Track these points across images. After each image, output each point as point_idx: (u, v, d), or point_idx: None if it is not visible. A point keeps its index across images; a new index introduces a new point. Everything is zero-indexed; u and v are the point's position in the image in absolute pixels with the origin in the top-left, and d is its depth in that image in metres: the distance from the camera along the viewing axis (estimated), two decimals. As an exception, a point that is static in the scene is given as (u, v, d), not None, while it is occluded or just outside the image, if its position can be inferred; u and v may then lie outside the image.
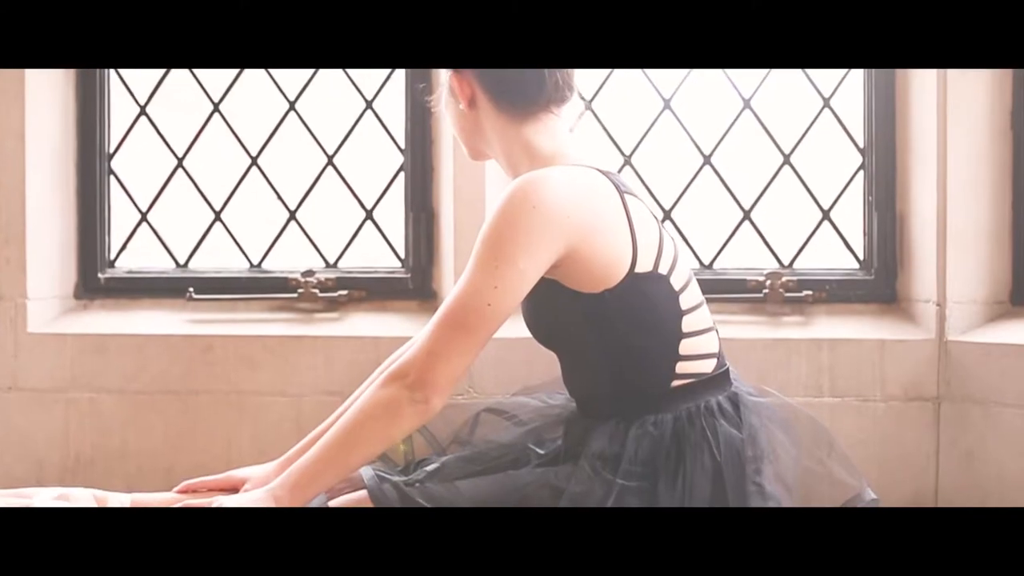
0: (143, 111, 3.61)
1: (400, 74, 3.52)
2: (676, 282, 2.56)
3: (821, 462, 2.68)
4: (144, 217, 3.61)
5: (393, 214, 3.53)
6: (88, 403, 3.44)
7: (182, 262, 3.61)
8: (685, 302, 2.58)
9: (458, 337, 2.40)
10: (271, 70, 3.56)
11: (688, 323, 2.58)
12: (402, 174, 3.53)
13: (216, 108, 3.59)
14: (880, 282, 3.46)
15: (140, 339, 3.42)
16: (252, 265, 3.59)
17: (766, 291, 3.45)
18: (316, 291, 3.49)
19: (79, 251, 3.60)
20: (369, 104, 3.57)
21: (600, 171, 2.51)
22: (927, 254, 3.38)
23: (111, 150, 3.62)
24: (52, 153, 3.54)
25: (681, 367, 2.57)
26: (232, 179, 3.57)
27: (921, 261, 3.40)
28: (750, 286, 3.47)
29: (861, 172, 3.50)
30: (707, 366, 2.61)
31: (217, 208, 3.60)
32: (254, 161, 3.58)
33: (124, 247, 3.62)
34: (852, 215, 3.50)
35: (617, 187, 2.50)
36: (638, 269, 2.48)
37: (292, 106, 3.57)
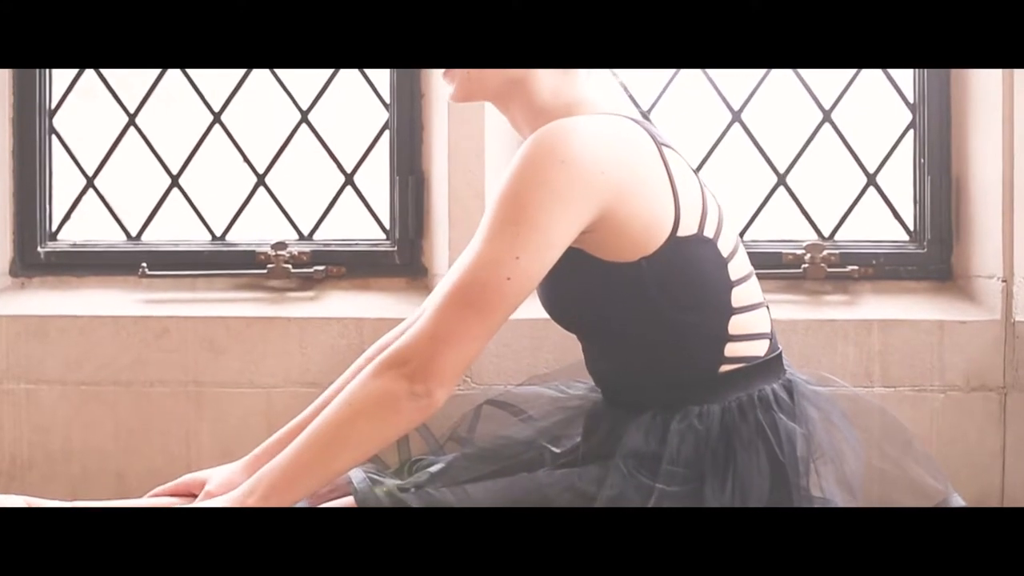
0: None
1: None
2: (724, 247, 2.26)
3: (897, 463, 2.37)
4: (90, 182, 3.29)
5: (377, 178, 3.21)
6: (25, 396, 3.12)
7: (134, 234, 3.29)
8: (734, 271, 2.28)
9: (470, 318, 2.07)
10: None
11: (738, 296, 2.27)
12: (387, 133, 3.20)
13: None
14: (933, 255, 3.12)
15: (85, 321, 3.10)
16: (214, 237, 3.27)
17: (805, 266, 3.10)
18: (288, 266, 3.17)
19: (15, 221, 3.28)
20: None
21: (633, 119, 2.20)
22: (989, 223, 3.03)
23: (52, 106, 3.30)
24: (-16, 108, 3.24)
25: (731, 349, 2.27)
26: (191, 139, 3.26)
27: (982, 231, 3.06)
28: (787, 260, 3.12)
29: (911, 131, 3.16)
30: (759, 348, 2.31)
31: (174, 172, 3.27)
32: (216, 118, 3.25)
33: (67, 217, 3.31)
34: (901, 180, 3.16)
35: (654, 137, 2.22)
36: (681, 232, 2.19)
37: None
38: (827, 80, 3.16)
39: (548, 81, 2.23)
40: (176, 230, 3.27)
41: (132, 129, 3.26)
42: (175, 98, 3.25)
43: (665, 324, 2.21)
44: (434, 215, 3.15)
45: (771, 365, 2.31)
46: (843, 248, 3.14)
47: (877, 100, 3.17)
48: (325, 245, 3.21)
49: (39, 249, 3.26)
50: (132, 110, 3.26)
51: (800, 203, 3.17)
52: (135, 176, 3.26)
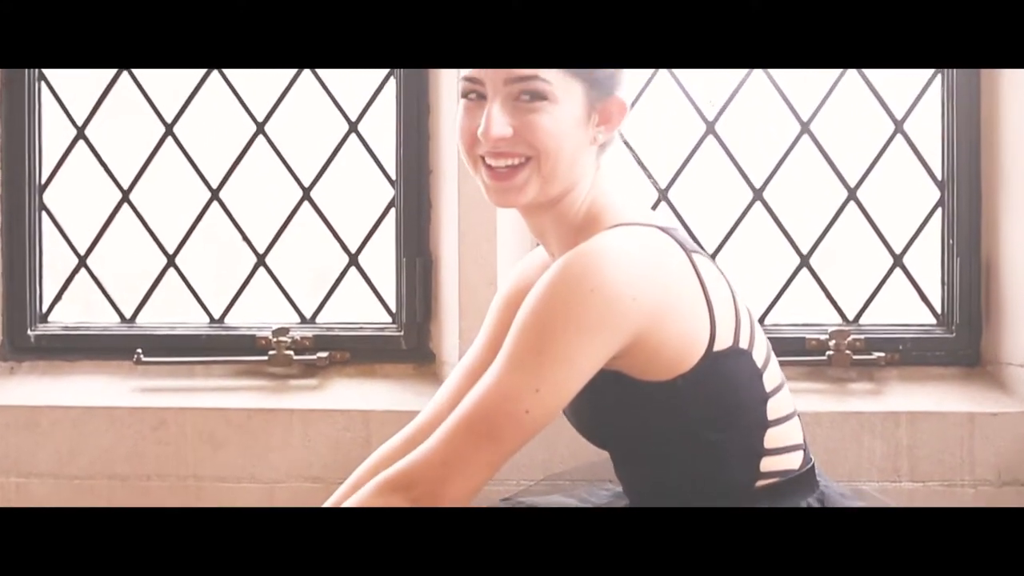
0: (81, 134, 3.18)
1: (389, 92, 3.10)
2: (758, 357, 2.15)
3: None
4: (82, 261, 3.19)
5: (383, 259, 3.11)
6: (15, 490, 3.01)
7: (128, 316, 3.18)
8: (769, 381, 2.17)
9: (484, 447, 1.97)
10: (237, 90, 3.13)
11: (773, 408, 2.17)
12: (393, 211, 3.10)
13: (169, 131, 3.15)
14: (962, 340, 3.02)
15: (78, 412, 3.00)
16: (213, 320, 3.17)
17: (830, 352, 2.99)
18: (290, 353, 3.07)
19: (4, 302, 3.18)
20: (353, 126, 3.12)
21: (661, 228, 2.08)
22: (1021, 307, 2.93)
23: (43, 180, 3.19)
24: (-29, 185, 3.13)
25: (766, 464, 2.16)
26: (189, 216, 3.16)
27: (1013, 316, 2.96)
28: (810, 346, 3.02)
29: (940, 210, 3.05)
30: (794, 461, 2.20)
31: (170, 250, 3.16)
32: (215, 195, 3.15)
33: (59, 297, 3.21)
34: (929, 261, 3.06)
35: (683, 246, 2.09)
36: (717, 346, 2.08)
37: (260, 129, 3.14)
38: (851, 156, 3.06)
39: (587, 186, 2.11)
40: (172, 312, 3.17)
41: (126, 206, 3.16)
42: (170, 173, 3.16)
43: (701, 442, 2.10)
44: (443, 299, 3.05)
45: (805, 478, 2.21)
46: (868, 332, 3.04)
47: (904, 177, 3.07)
48: (328, 329, 3.11)
49: (29, 332, 3.16)
50: (126, 185, 3.16)
51: (824, 285, 3.07)
52: (129, 255, 3.18)
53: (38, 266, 3.18)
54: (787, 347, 3.00)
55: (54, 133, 3.18)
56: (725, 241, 3.07)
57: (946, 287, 3.05)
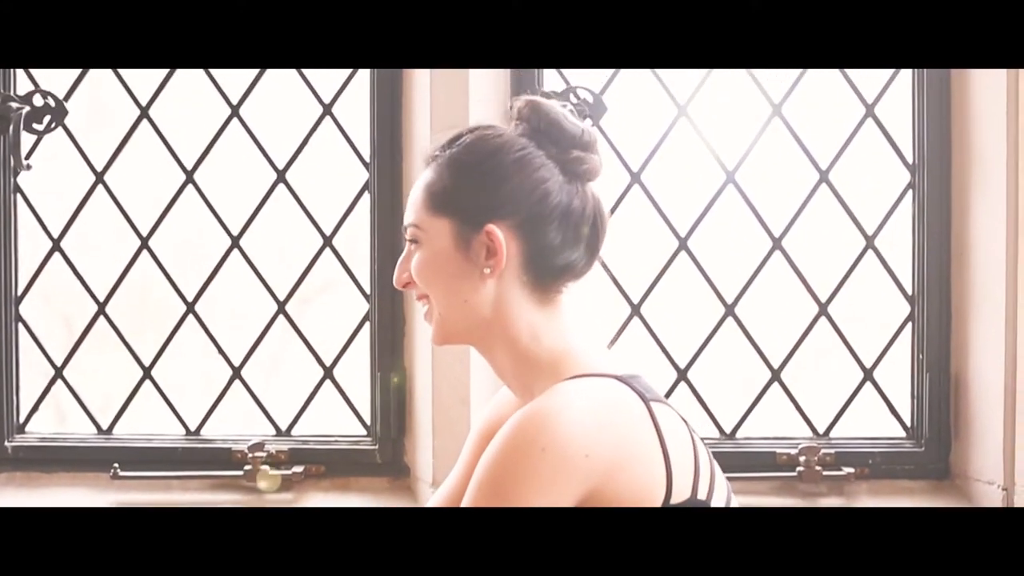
0: (56, 246, 3.17)
1: (363, 205, 3.12)
2: (717, 505, 2.12)
3: None
4: (59, 372, 3.19)
5: (357, 372, 3.13)
6: None
7: (105, 427, 3.19)
8: None
9: None
10: (214, 206, 3.15)
11: None
12: (367, 326, 3.11)
13: (145, 243, 3.15)
14: (931, 454, 3.07)
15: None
16: (189, 432, 3.17)
17: (800, 468, 3.03)
18: (267, 467, 3.07)
19: None
20: (328, 241, 3.13)
21: (619, 378, 2.05)
22: (989, 424, 2.98)
23: (19, 291, 3.19)
24: (-53, 298, 3.12)
25: None
26: (164, 329, 3.16)
27: (981, 432, 3.00)
28: (781, 461, 3.05)
29: (910, 324, 3.09)
30: None
31: (146, 363, 3.17)
32: (190, 308, 3.16)
33: (35, 408, 3.20)
34: (899, 375, 3.10)
35: (642, 397, 2.05)
36: (674, 500, 2.05)
37: (235, 242, 3.14)
38: (824, 268, 3.10)
39: (526, 322, 2.06)
40: (149, 423, 3.18)
41: (101, 318, 3.16)
42: (144, 286, 3.16)
43: None
44: (417, 414, 3.07)
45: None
46: (838, 446, 3.07)
47: (874, 290, 3.10)
48: (303, 442, 3.13)
49: (6, 443, 3.16)
50: (101, 297, 3.16)
51: (794, 398, 3.10)
52: (106, 365, 3.18)
53: (15, 376, 3.18)
54: (758, 462, 3.04)
55: (30, 243, 3.18)
56: (695, 358, 3.11)
57: (915, 401, 3.09)
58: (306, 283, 3.15)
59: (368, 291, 3.12)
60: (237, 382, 3.16)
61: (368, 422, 3.12)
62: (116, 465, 3.07)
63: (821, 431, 3.11)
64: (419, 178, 2.02)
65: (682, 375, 3.10)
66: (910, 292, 3.09)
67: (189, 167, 3.13)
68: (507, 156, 2.00)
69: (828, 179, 3.09)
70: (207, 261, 3.15)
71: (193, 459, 3.12)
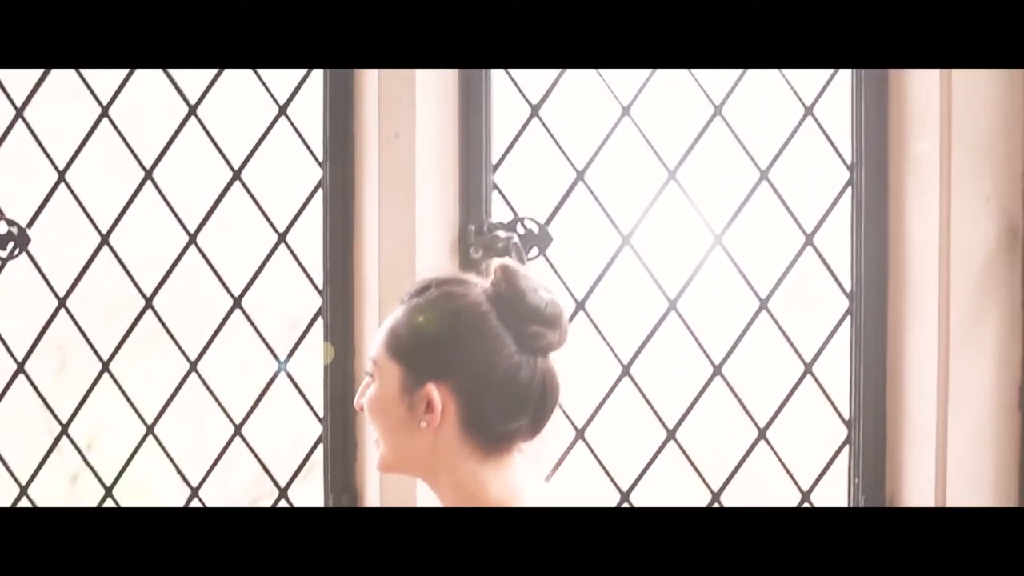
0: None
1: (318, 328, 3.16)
2: None
3: None
4: (24, 491, 3.15)
5: (311, 495, 3.18)
6: None
7: None
8: None
9: None
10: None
11: None
12: (320, 447, 3.16)
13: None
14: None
15: None
16: None
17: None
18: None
19: None
20: (280, 362, 3.18)
21: None
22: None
23: None
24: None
25: None
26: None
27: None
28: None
29: (847, 447, 3.20)
30: None
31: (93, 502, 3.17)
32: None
33: None
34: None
35: None
36: None
37: (193, 367, 3.16)
38: (762, 394, 3.19)
39: (469, 471, 2.09)
40: None
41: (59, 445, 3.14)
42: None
43: None
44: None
45: None
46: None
47: (812, 415, 3.20)
48: None
49: None
50: (64, 420, 3.13)
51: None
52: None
53: None
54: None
55: None
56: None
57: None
58: (260, 403, 3.16)
59: (321, 413, 3.15)
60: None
61: None
62: None
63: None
64: (391, 313, 2.12)
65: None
66: (847, 416, 3.18)
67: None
68: (464, 320, 2.06)
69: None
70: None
71: None
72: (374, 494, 3.08)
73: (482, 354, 2.07)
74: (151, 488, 3.24)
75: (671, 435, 3.19)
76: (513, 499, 2.09)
